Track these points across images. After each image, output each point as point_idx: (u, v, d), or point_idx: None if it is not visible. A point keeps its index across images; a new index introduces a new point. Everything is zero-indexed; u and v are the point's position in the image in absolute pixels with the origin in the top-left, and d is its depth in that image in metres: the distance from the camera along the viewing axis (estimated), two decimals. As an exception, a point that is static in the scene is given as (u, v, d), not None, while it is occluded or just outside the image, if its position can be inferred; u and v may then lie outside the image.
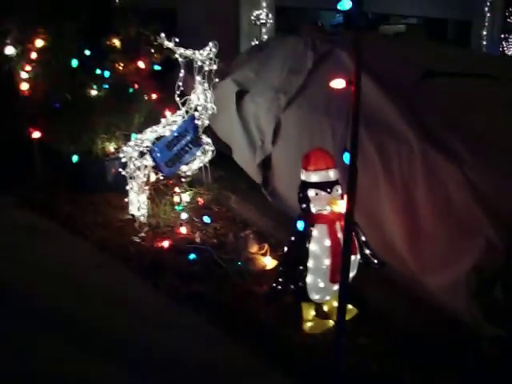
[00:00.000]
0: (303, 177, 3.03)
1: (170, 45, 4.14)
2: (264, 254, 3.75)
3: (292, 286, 3.03)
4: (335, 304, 3.20)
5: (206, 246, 3.97)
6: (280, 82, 4.54)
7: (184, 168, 4.43)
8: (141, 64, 4.98)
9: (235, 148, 4.96)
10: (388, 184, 3.48)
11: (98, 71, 4.91)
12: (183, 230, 4.18)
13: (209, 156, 4.54)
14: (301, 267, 2.98)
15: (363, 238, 3.19)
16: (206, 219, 4.24)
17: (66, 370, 2.84)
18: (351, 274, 3.08)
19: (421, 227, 3.32)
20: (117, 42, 5.02)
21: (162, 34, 4.15)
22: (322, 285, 3.02)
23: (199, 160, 4.50)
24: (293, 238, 3.06)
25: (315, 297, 3.09)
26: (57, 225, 4.37)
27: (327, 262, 2.98)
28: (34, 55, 4.69)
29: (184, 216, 4.28)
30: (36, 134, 4.58)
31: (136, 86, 4.97)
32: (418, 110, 3.49)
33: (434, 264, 3.23)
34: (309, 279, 3.01)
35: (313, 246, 2.98)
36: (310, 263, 2.99)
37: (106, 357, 2.94)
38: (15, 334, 3.05)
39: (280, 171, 4.47)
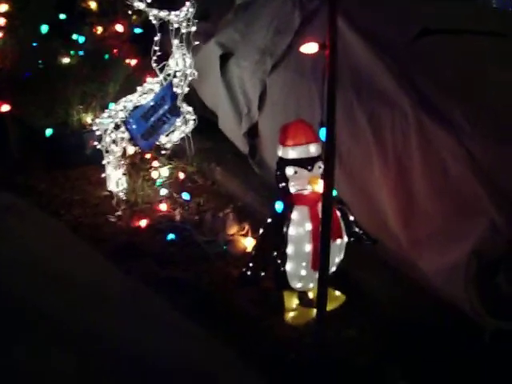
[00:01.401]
0: (280, 153, 2.71)
1: (141, 6, 3.77)
2: (245, 235, 3.46)
3: (263, 273, 2.72)
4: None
5: (186, 224, 3.68)
6: (266, 43, 4.16)
7: (163, 140, 4.12)
8: (119, 27, 4.60)
9: (221, 116, 4.61)
10: (380, 156, 3.15)
11: (74, 36, 4.55)
12: (163, 207, 3.88)
13: (190, 126, 4.22)
14: (276, 253, 2.68)
15: (351, 218, 2.89)
16: (186, 195, 3.94)
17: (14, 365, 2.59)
18: (337, 259, 2.80)
19: (415, 204, 3.00)
20: (93, 4, 4.64)
21: (134, -6, 3.78)
22: (303, 272, 2.73)
23: (180, 131, 4.17)
24: (269, 221, 2.75)
25: (297, 285, 2.81)
26: (31, 204, 4.05)
27: (308, 247, 2.68)
28: (0, 21, 4.31)
29: (163, 192, 3.98)
30: (5, 108, 4.24)
31: (115, 51, 4.61)
32: (413, 74, 3.13)
33: (429, 245, 2.93)
34: (288, 266, 2.72)
35: (292, 230, 2.68)
36: (290, 249, 2.69)
37: (62, 352, 2.67)
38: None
39: (267, 140, 4.14)
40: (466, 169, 2.72)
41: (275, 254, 2.71)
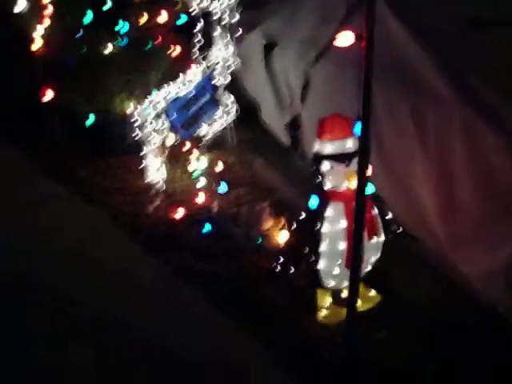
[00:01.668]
0: (316, 147, 2.63)
1: (184, -6, 3.72)
2: (280, 229, 3.39)
3: (293, 269, 2.65)
4: (356, 289, 2.84)
5: (223, 216, 3.64)
6: (310, 33, 4.06)
7: (204, 130, 4.07)
8: (163, 16, 4.56)
9: (263, 107, 4.55)
10: (423, 152, 3.04)
11: (119, 25, 4.53)
12: (200, 198, 3.85)
13: (232, 116, 4.15)
14: (309, 250, 2.61)
15: (389, 215, 2.79)
16: (224, 187, 3.89)
17: (60, 354, 2.62)
18: (373, 258, 2.71)
19: (458, 203, 2.90)
20: (138, -7, 4.61)
21: (175, -17, 3.73)
22: (337, 270, 2.66)
23: (221, 121, 4.12)
24: (303, 216, 2.68)
25: (330, 283, 2.73)
26: (72, 191, 4.12)
27: (343, 245, 2.60)
28: (46, 10, 4.34)
29: (202, 183, 3.94)
30: (49, 95, 4.28)
31: (159, 40, 4.57)
32: (462, 67, 2.98)
33: (470, 246, 2.82)
34: (322, 264, 2.65)
35: (326, 227, 2.61)
36: (324, 246, 2.62)
37: (98, 340, 2.68)
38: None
39: (309, 132, 4.02)
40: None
41: (308, 251, 2.63)
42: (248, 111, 4.57)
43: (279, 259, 2.72)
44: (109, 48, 4.36)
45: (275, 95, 4.33)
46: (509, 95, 2.77)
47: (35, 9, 4.36)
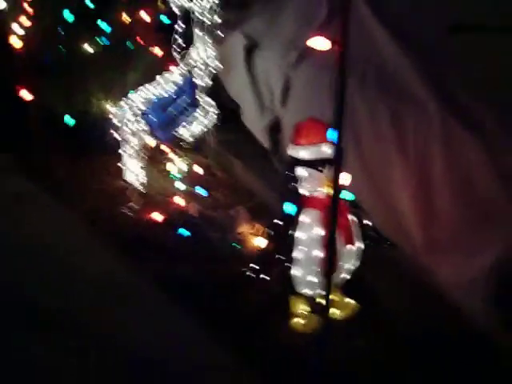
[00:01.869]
0: (291, 152, 2.58)
1: (163, -6, 3.66)
2: (256, 234, 3.33)
3: (263, 276, 2.60)
4: (332, 297, 2.79)
5: (201, 220, 3.58)
6: (291, 35, 4.01)
7: (183, 132, 4.02)
8: (144, 15, 4.50)
9: (244, 109, 4.49)
10: (402, 157, 3.00)
11: (101, 24, 4.46)
12: (178, 200, 3.79)
13: (211, 118, 4.10)
14: (283, 257, 2.56)
15: (366, 222, 2.75)
16: (201, 190, 3.83)
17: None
18: (349, 266, 2.66)
19: (436, 210, 2.85)
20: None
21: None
22: (312, 278, 2.60)
23: (200, 123, 4.07)
24: (277, 222, 2.63)
25: (305, 290, 2.68)
26: (46, 191, 4.03)
27: (318, 252, 2.54)
28: (26, 8, 4.26)
29: (180, 185, 3.88)
30: (27, 93, 4.20)
31: (139, 39, 4.51)
32: (441, 72, 2.95)
33: (448, 253, 2.78)
34: (296, 271, 2.60)
35: (301, 234, 2.55)
36: (298, 253, 2.57)
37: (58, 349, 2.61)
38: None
39: (289, 136, 3.99)
40: (491, 177, 2.54)
41: (282, 257, 2.58)
42: (229, 113, 4.52)
43: (253, 264, 2.65)
44: (88, 47, 4.29)
45: (256, 97, 4.27)
46: (488, 102, 2.73)
47: (15, 6, 4.29)
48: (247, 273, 2.60)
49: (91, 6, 4.36)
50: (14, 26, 4.25)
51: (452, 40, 3.16)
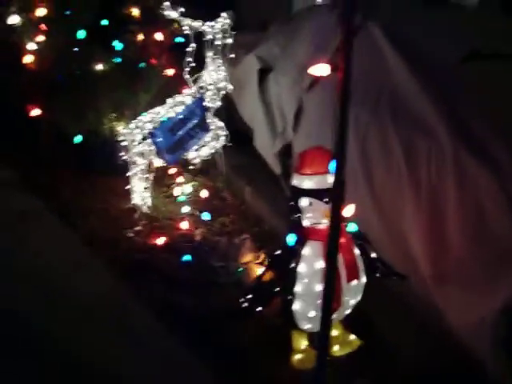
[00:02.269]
0: (295, 181, 2.48)
1: (174, 15, 3.61)
2: (260, 264, 3.23)
3: (259, 308, 2.48)
4: (335, 333, 2.67)
5: (205, 246, 3.49)
6: (306, 59, 3.93)
7: (191, 155, 3.94)
8: (159, 35, 4.47)
9: (256, 133, 4.41)
10: (413, 191, 2.88)
11: (115, 43, 4.43)
12: (184, 225, 3.70)
13: (221, 142, 4.03)
14: (283, 290, 2.44)
15: (374, 255, 2.62)
16: (206, 215, 3.74)
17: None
18: (352, 301, 2.53)
19: (447, 247, 2.72)
20: (135, 11, 4.52)
21: (167, 3, 3.62)
22: (312, 313, 2.47)
23: (210, 146, 3.99)
24: (278, 253, 2.52)
25: (306, 326, 2.55)
26: (50, 210, 3.98)
27: (320, 286, 2.42)
28: (39, 25, 4.25)
29: (186, 209, 3.80)
30: (35, 111, 4.17)
31: (153, 60, 4.47)
32: (454, 101, 2.84)
33: (458, 291, 2.64)
34: (297, 306, 2.48)
35: (302, 268, 2.44)
36: (299, 287, 2.45)
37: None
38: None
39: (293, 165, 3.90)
40: (505, 215, 2.41)
41: (283, 290, 2.47)
42: (241, 137, 4.45)
43: (253, 295, 2.53)
44: (100, 66, 4.26)
45: (268, 121, 4.19)
46: (503, 133, 2.61)
47: (28, 23, 4.28)
48: (243, 304, 2.46)
49: (105, 23, 4.34)
50: (27, 42, 4.24)
51: (466, 67, 3.05)
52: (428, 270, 2.78)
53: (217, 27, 3.69)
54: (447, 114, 2.80)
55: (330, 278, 2.02)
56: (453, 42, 3.17)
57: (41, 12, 4.11)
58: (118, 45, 4.36)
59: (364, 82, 3.12)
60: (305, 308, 2.47)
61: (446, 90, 2.90)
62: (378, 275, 2.68)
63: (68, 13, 4.30)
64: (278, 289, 2.46)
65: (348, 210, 2.31)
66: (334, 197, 1.91)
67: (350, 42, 1.79)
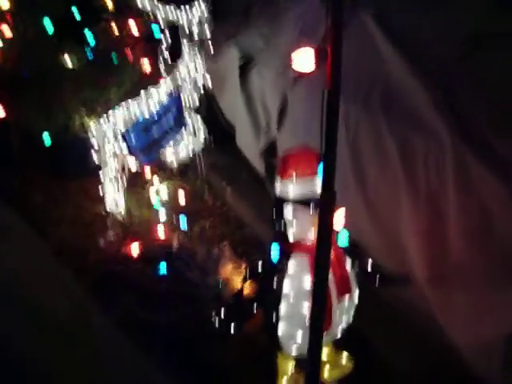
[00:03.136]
0: (278, 188, 2.19)
1: (146, 4, 3.30)
2: (240, 276, 2.94)
3: (233, 327, 2.19)
4: (325, 354, 2.39)
5: (182, 255, 3.20)
6: (290, 49, 3.63)
7: (169, 156, 3.65)
8: (133, 25, 4.15)
9: (238, 130, 4.11)
10: (410, 194, 2.61)
11: (86, 35, 4.11)
12: (160, 231, 3.41)
13: (200, 140, 3.73)
14: (269, 310, 2.17)
15: (369, 264, 2.35)
16: (183, 221, 3.44)
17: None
18: (344, 318, 2.25)
19: (448, 256, 2.45)
20: (108, 1, 4.19)
21: (138, -7, 3.32)
22: (299, 336, 2.19)
23: (188, 145, 3.70)
24: (260, 268, 2.23)
25: (292, 350, 2.27)
26: (20, 219, 3.66)
27: (307, 307, 2.14)
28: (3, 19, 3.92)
29: (162, 214, 3.50)
30: (2, 111, 3.84)
31: (127, 52, 4.15)
32: (455, 97, 2.56)
33: (462, 310, 2.38)
34: (281, 329, 2.19)
35: (287, 286, 2.15)
36: (283, 308, 2.17)
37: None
38: None
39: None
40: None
41: (265, 310, 2.19)
42: (223, 134, 4.16)
43: (218, 311, 2.25)
44: (70, 61, 3.94)
45: (251, 118, 3.90)
46: (508, 129, 2.34)
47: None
48: (216, 322, 2.17)
49: (77, 16, 4.02)
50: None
51: (466, 59, 2.76)
52: (426, 282, 2.52)
53: (192, 17, 3.38)
54: (446, 109, 2.53)
55: (320, 298, 1.75)
56: (449, 34, 2.87)
57: (6, 4, 3.78)
58: (89, 36, 4.03)
59: (354, 75, 2.85)
60: (291, 330, 2.20)
61: (445, 82, 2.62)
62: (376, 285, 2.40)
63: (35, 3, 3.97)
64: (256, 307, 2.16)
65: (338, 216, 2.03)
66: (324, 204, 1.62)
67: (339, 28, 1.49)
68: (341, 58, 1.53)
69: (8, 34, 3.92)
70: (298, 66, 1.61)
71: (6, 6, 3.83)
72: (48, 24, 3.86)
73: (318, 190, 2.09)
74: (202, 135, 3.75)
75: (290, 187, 2.14)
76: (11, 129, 4.25)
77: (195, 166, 3.91)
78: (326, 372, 2.38)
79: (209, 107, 4.32)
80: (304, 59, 1.58)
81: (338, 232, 2.19)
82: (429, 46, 2.88)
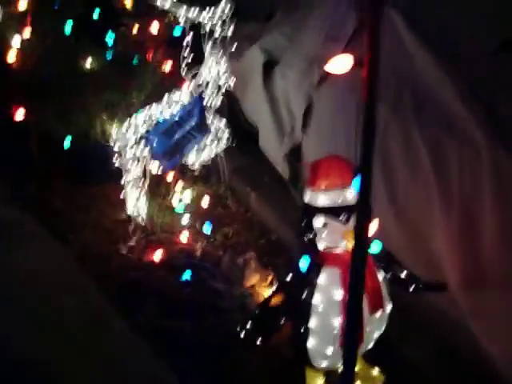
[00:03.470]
0: (308, 198, 2.10)
1: (166, 4, 3.23)
2: (269, 286, 2.86)
3: (260, 340, 2.09)
4: (356, 368, 2.29)
5: (206, 263, 3.13)
6: (315, 50, 3.54)
7: (191, 160, 3.57)
8: (154, 28, 4.08)
9: (262, 133, 4.02)
10: (443, 201, 2.50)
11: (107, 37, 4.05)
12: (183, 238, 3.34)
13: (224, 143, 3.66)
14: (298, 324, 2.08)
15: (404, 275, 2.24)
16: (207, 228, 3.37)
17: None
18: (376, 334, 2.16)
19: (485, 267, 2.34)
20: (127, 2, 4.13)
21: (156, -9, 3.25)
22: (329, 351, 2.11)
23: (210, 149, 3.62)
24: (288, 279, 2.14)
25: (322, 364, 2.18)
26: (40, 224, 3.61)
27: (337, 321, 2.05)
28: (23, 20, 3.87)
29: (185, 220, 3.43)
30: (19, 115, 3.80)
31: (148, 55, 4.08)
32: (491, 98, 2.45)
33: (501, 323, 2.26)
34: (311, 343, 2.11)
35: (317, 299, 2.06)
36: (313, 322, 2.08)
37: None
38: None
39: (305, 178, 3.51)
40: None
41: (294, 323, 2.10)
42: (246, 137, 4.07)
43: (243, 323, 2.15)
44: (90, 63, 3.89)
45: (274, 120, 3.81)
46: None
47: (11, 17, 3.91)
48: (241, 334, 2.08)
49: (95, 16, 3.97)
50: (11, 39, 3.87)
51: (503, 59, 2.64)
52: (462, 293, 2.42)
53: (215, 17, 3.29)
54: (482, 111, 2.41)
55: (355, 311, 1.67)
56: (483, 29, 2.75)
57: (24, 5, 3.73)
58: (109, 39, 3.98)
59: (383, 74, 2.73)
60: (321, 345, 2.11)
61: (479, 82, 2.50)
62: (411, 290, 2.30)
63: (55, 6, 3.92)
64: (284, 319, 2.07)
65: (372, 228, 1.93)
66: (360, 220, 1.53)
67: (377, 30, 1.40)
68: (378, 69, 1.44)
69: (27, 35, 3.88)
70: (332, 70, 1.50)
71: (23, 6, 3.79)
72: (68, 26, 3.81)
73: (349, 199, 2.02)
74: (224, 137, 3.66)
75: (321, 197, 2.04)
76: (31, 133, 4.21)
77: (218, 169, 3.83)
78: (358, 384, 2.28)
79: (231, 109, 4.24)
80: (340, 66, 1.47)
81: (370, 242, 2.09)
82: (460, 45, 2.77)
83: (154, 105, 3.43)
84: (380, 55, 1.46)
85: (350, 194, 2.03)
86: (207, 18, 3.29)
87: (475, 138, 2.39)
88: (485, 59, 2.62)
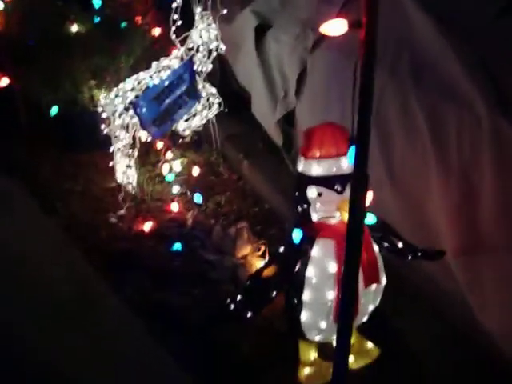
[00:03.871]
0: (301, 167, 2.02)
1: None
2: (261, 256, 2.80)
3: (249, 314, 2.03)
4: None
5: (197, 232, 3.06)
6: (309, 13, 3.42)
7: (181, 126, 3.48)
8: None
9: (254, 98, 3.91)
10: (441, 169, 2.42)
11: (94, 0, 3.91)
12: (174, 207, 3.27)
13: (214, 110, 3.56)
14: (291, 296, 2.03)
15: (401, 244, 2.18)
16: (198, 197, 3.29)
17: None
18: (371, 307, 2.11)
19: (484, 237, 2.28)
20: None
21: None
22: (323, 325, 2.06)
23: (202, 115, 3.53)
24: (281, 251, 2.07)
25: (315, 337, 2.14)
26: (27, 193, 3.53)
27: (331, 294, 2.00)
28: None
29: (176, 189, 3.36)
30: (4, 81, 3.68)
31: (136, 18, 3.95)
32: (492, 64, 2.35)
33: (498, 296, 2.21)
34: (304, 317, 2.05)
35: (311, 271, 2.00)
36: (307, 295, 2.02)
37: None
38: None
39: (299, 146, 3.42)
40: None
41: (287, 296, 2.05)
42: (238, 102, 3.97)
43: (233, 295, 2.09)
44: (77, 27, 3.75)
45: (267, 86, 3.69)
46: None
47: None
48: (230, 307, 2.02)
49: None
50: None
51: (502, 23, 2.54)
52: (459, 264, 2.36)
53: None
54: (482, 76, 2.32)
55: (351, 284, 1.61)
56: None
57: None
58: (96, 1, 3.84)
59: (380, 37, 2.63)
60: (314, 318, 2.05)
61: (480, 48, 2.41)
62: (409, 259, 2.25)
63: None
64: (275, 292, 2.01)
65: (367, 198, 1.86)
66: (355, 190, 1.46)
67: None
68: (376, 32, 1.35)
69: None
70: (326, 31, 1.40)
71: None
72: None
73: (345, 168, 1.94)
74: (215, 104, 3.56)
75: (315, 166, 1.96)
76: (17, 99, 4.10)
77: (209, 136, 3.74)
78: (352, 359, 2.24)
79: (223, 74, 4.13)
80: (335, 29, 1.38)
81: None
82: (458, 9, 2.67)
83: (143, 73, 3.33)
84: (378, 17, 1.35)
85: (345, 164, 1.94)
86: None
87: (475, 105, 2.30)
88: (485, 24, 2.52)
